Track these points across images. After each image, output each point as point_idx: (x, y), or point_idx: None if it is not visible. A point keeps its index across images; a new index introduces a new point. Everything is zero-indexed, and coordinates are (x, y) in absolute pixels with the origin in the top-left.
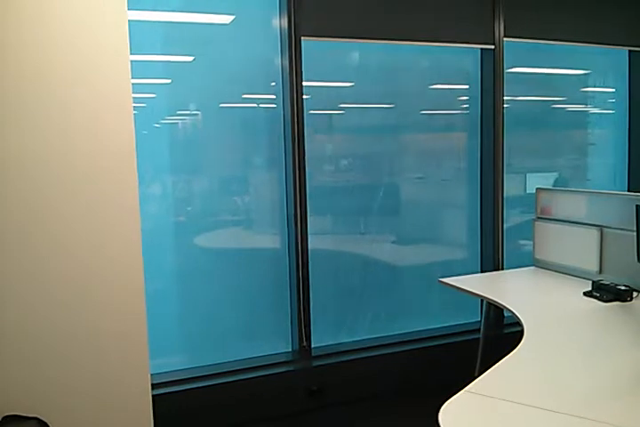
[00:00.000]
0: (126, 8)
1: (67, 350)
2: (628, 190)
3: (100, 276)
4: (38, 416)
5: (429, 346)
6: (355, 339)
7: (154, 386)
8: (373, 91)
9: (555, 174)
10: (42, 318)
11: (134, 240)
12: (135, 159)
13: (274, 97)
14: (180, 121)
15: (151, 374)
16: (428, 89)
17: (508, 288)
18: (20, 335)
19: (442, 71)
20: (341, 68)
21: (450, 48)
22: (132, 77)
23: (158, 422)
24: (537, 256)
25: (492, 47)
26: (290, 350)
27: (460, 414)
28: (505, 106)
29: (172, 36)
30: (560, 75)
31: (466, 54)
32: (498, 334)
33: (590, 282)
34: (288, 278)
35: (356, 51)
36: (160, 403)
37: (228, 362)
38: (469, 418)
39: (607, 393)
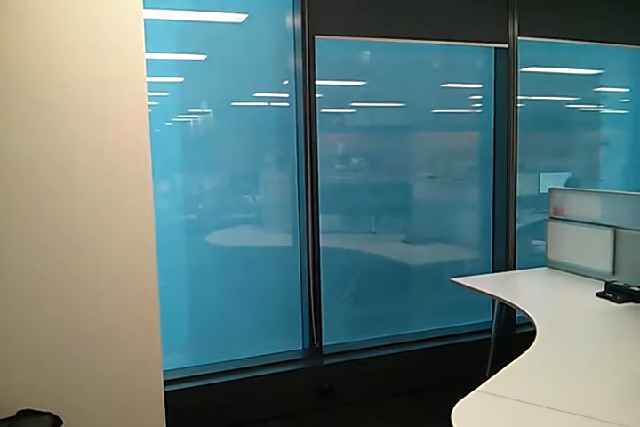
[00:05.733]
0: (142, 7)
1: (79, 347)
2: None
3: (112, 275)
4: (52, 411)
5: (440, 346)
6: (365, 338)
7: (165, 383)
8: (385, 89)
9: (567, 174)
10: (53, 316)
11: (148, 239)
12: (150, 158)
13: (286, 95)
14: (191, 119)
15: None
16: (441, 88)
17: (521, 288)
18: (32, 334)
19: (454, 70)
20: (353, 67)
21: (463, 47)
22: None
23: (169, 418)
24: (550, 257)
25: (506, 46)
26: (300, 348)
27: (473, 413)
28: (519, 105)
29: (185, 35)
30: (573, 74)
31: (479, 53)
32: (509, 334)
33: (603, 283)
34: (299, 277)
35: (367, 49)
36: (171, 400)
37: (239, 360)
38: (482, 418)
39: (619, 394)
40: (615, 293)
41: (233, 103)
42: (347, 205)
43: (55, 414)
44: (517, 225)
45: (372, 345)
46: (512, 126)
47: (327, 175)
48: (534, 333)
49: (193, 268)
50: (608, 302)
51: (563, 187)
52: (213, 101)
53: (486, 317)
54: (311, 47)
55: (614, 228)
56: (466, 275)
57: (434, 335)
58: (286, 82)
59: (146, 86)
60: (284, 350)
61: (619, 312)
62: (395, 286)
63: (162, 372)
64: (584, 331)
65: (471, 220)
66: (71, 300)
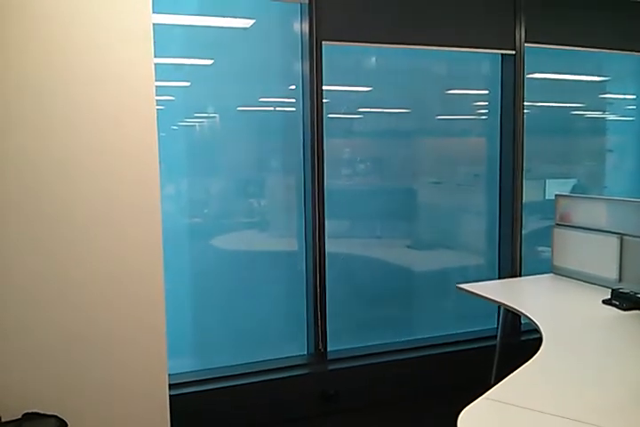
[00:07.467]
0: (151, 12)
1: (83, 350)
2: None
3: (119, 278)
4: (57, 414)
5: (445, 352)
6: (370, 344)
7: (169, 387)
8: (391, 95)
9: (572, 181)
10: (59, 321)
11: (155, 243)
12: (157, 162)
13: (293, 100)
14: (197, 124)
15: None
16: (447, 94)
17: (527, 295)
18: (35, 338)
19: (460, 76)
20: (360, 73)
21: (469, 53)
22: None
23: (174, 422)
24: (555, 263)
25: (513, 52)
26: (305, 353)
27: (479, 420)
28: (525, 111)
29: (192, 40)
30: (579, 81)
31: (485, 59)
32: (514, 341)
33: (609, 290)
34: (304, 281)
35: (374, 55)
36: (175, 404)
37: (244, 364)
38: (488, 425)
39: (624, 402)
40: (621, 300)
41: (239, 108)
42: (352, 210)
43: (60, 417)
44: (523, 231)
45: (377, 351)
46: (518, 132)
47: (333, 180)
48: (540, 339)
49: (197, 271)
50: (614, 309)
51: (569, 193)
52: (220, 106)
53: (491, 323)
54: (318, 52)
55: (620, 235)
56: (471, 281)
57: (439, 342)
58: (293, 87)
59: (154, 91)
60: (289, 355)
61: (624, 320)
62: (400, 291)
63: (167, 376)
64: (590, 338)
65: (477, 226)
66: (75, 303)
